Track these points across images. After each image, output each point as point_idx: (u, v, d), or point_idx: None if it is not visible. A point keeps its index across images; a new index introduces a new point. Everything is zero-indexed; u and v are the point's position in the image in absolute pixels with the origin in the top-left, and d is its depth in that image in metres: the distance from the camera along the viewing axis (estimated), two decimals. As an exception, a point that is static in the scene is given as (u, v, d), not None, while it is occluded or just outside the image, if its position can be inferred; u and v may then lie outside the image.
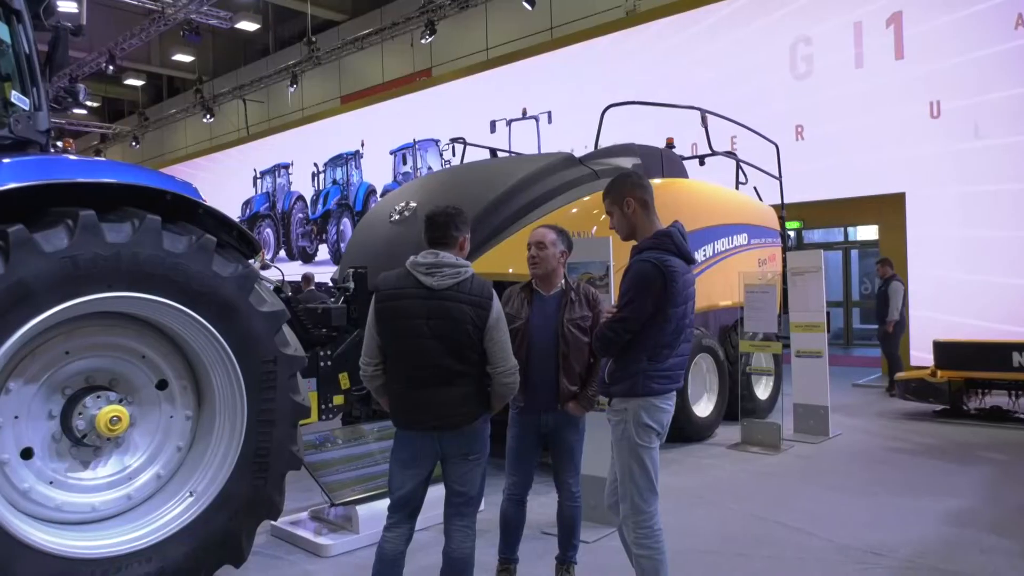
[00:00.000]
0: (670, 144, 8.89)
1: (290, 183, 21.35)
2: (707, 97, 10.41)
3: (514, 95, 15.93)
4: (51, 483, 3.24)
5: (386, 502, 3.21)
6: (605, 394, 3.11)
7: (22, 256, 2.87)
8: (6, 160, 3.13)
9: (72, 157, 3.61)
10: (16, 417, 3.13)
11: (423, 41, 17.84)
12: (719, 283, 7.70)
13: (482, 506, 3.22)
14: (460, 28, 18.61)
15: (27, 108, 3.47)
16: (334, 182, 19.72)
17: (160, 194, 3.45)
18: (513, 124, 14.88)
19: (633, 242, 3.18)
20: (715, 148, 8.87)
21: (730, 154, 9.63)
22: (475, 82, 17.25)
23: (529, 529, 3.85)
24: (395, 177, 18.22)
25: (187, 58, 25.16)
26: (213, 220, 3.68)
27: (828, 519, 4.82)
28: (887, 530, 4.59)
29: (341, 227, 19.08)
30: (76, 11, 3.79)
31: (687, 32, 13.68)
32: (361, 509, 4.46)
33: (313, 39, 20.20)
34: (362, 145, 19.28)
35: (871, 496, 5.37)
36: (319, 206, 19.79)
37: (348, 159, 19.46)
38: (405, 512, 3.08)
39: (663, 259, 2.97)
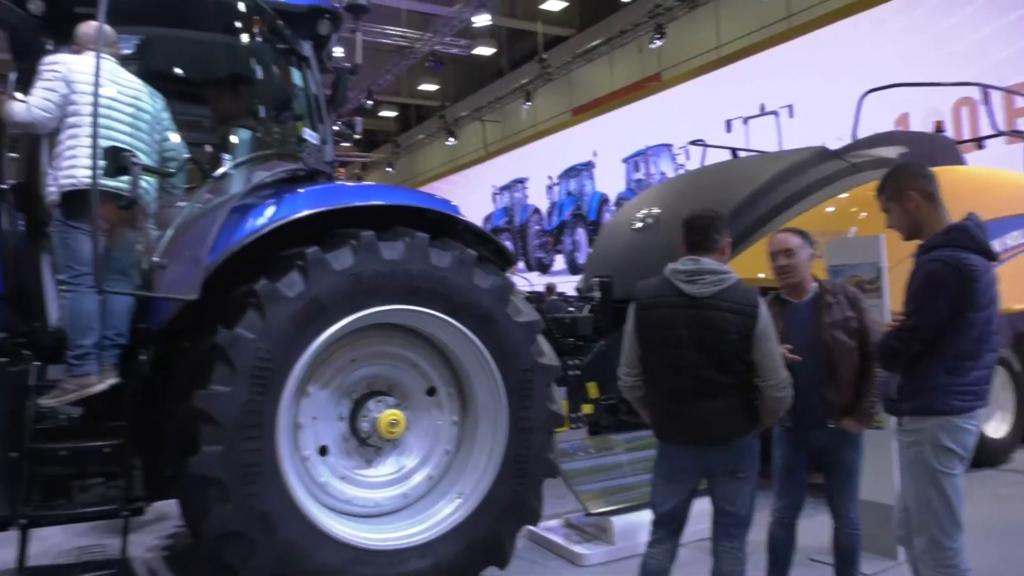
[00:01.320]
0: (939, 128, 7.92)
1: (526, 196, 22.19)
2: (987, 78, 9.10)
3: (750, 91, 15.14)
4: (343, 478, 3.58)
5: (642, 515, 3.15)
6: (893, 412, 2.79)
7: (318, 274, 3.21)
8: (301, 190, 3.55)
9: (349, 184, 4.00)
10: (314, 418, 3.50)
11: (651, 46, 17.66)
12: (1011, 283, 6.64)
13: (747, 526, 3.02)
14: (689, 28, 18.15)
15: (316, 143, 3.90)
16: (568, 193, 20.15)
17: (424, 212, 3.70)
18: (750, 122, 14.18)
19: (917, 241, 2.83)
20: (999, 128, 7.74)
21: (1018, 133, 8.35)
22: (707, 82, 16.68)
23: (798, 554, 3.56)
24: (628, 185, 18.19)
25: (431, 87, 27.20)
26: (471, 235, 3.87)
27: None
28: None
29: (576, 237, 19.44)
30: (342, 54, 4.24)
31: (957, 6, 12.10)
32: (616, 520, 4.43)
33: (544, 56, 20.85)
34: (594, 155, 19.49)
35: None
36: (554, 217, 20.32)
37: (581, 170, 19.79)
38: (669, 528, 2.98)
39: (959, 257, 2.60)
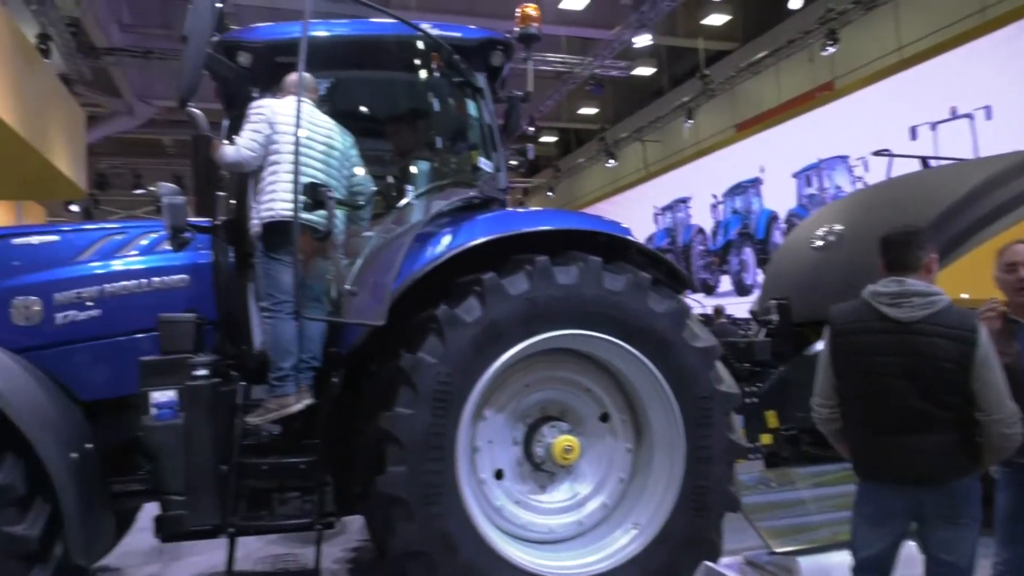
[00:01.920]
0: None
1: (689, 216, 21.66)
2: None
3: (937, 94, 13.95)
4: (517, 503, 3.59)
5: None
6: None
7: (494, 300, 3.27)
8: (476, 217, 3.64)
9: (520, 210, 4.06)
10: (490, 442, 3.55)
11: (823, 53, 16.71)
12: None
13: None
14: (865, 31, 17.01)
15: (491, 171, 4.00)
16: (734, 211, 19.43)
17: (596, 236, 3.66)
18: (939, 127, 13.03)
19: None
20: None
21: None
22: (887, 87, 15.52)
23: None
24: (800, 201, 17.25)
25: (591, 110, 27.33)
26: (644, 257, 3.79)
27: None
28: None
29: (743, 257, 18.67)
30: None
31: None
32: (804, 561, 4.11)
33: (706, 72, 20.35)
34: (761, 171, 18.69)
35: None
36: (719, 237, 19.67)
37: (747, 187, 19.03)
38: None
39: None
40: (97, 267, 3.70)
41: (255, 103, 3.65)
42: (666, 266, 3.84)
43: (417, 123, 4.25)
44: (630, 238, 3.74)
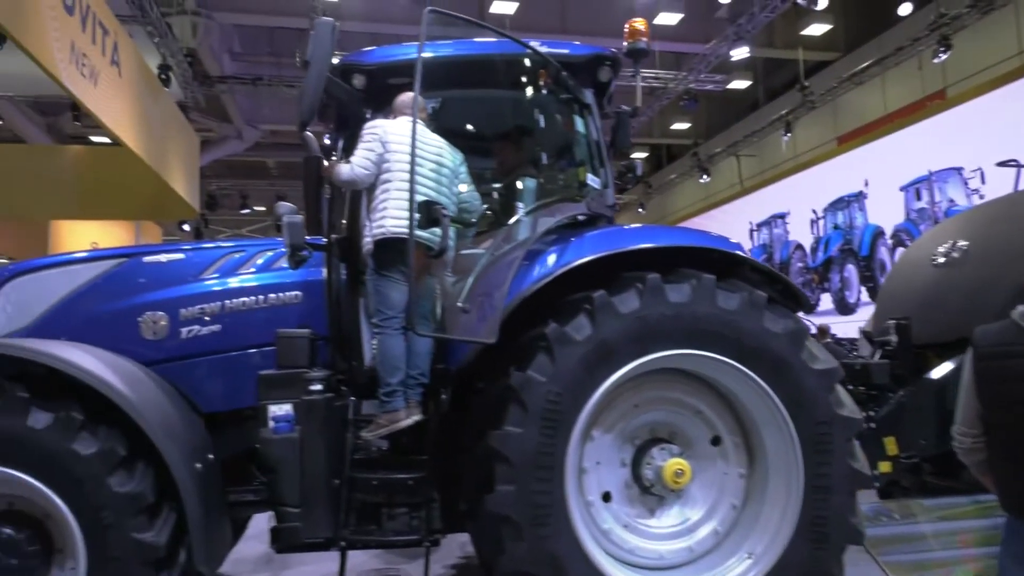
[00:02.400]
0: None
1: (787, 232, 20.93)
2: None
3: (1063, 100, 13.05)
4: (625, 527, 3.50)
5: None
6: None
7: (604, 318, 3.21)
8: (584, 234, 3.60)
9: (627, 227, 4.00)
10: (598, 463, 3.47)
11: (935, 61, 15.88)
12: None
13: None
14: (981, 37, 16.08)
15: (598, 187, 3.95)
16: (835, 227, 18.65)
17: (707, 253, 3.55)
18: (1067, 135, 12.15)
19: None
20: None
21: None
22: (1006, 95, 14.59)
23: None
24: (907, 215, 16.38)
25: (683, 125, 26.91)
26: (759, 275, 3.66)
27: None
28: None
29: (845, 274, 17.87)
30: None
31: None
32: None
33: (806, 84, 19.69)
34: (865, 185, 17.90)
35: None
36: (819, 253, 18.90)
37: (850, 201, 18.23)
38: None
39: None
40: (218, 284, 3.86)
41: (369, 123, 3.74)
42: (782, 284, 3.69)
43: (525, 140, 4.27)
44: (743, 255, 3.62)
